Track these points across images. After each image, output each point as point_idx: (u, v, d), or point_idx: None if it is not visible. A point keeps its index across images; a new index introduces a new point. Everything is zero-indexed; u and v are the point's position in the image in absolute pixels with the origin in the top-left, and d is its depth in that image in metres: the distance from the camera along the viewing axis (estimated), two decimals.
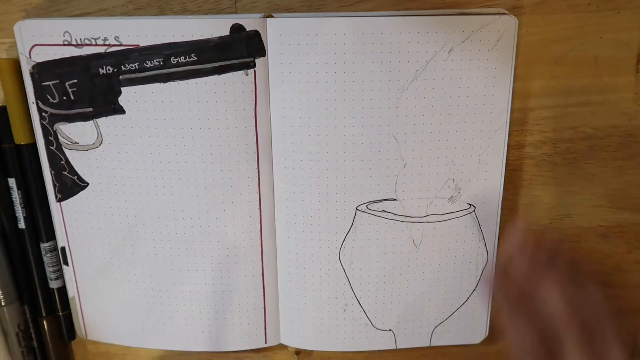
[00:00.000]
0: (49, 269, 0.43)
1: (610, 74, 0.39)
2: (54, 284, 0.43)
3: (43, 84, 0.38)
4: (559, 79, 0.39)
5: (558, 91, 0.39)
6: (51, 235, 0.42)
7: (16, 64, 0.38)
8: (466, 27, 0.36)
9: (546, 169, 0.41)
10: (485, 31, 0.36)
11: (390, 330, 0.42)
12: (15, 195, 0.41)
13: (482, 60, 0.36)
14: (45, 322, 0.44)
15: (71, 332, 0.45)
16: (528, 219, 0.42)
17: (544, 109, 0.40)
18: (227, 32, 0.36)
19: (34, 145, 0.40)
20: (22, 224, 0.41)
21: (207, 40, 0.36)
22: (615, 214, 0.43)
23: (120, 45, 0.37)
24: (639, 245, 0.43)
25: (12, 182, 0.40)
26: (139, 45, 0.37)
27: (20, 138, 0.40)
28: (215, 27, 0.36)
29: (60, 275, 0.43)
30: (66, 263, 0.42)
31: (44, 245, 0.42)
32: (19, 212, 0.41)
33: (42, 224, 0.42)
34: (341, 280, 0.41)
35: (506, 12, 0.36)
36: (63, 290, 0.44)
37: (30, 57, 0.37)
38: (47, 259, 0.42)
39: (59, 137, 0.39)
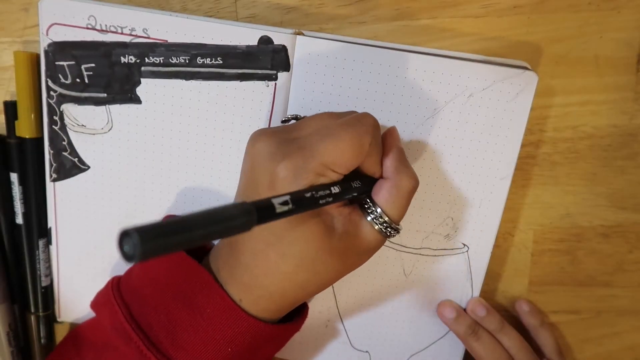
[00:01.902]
0: (43, 266, 0.42)
1: (610, 74, 0.39)
2: (45, 282, 0.42)
3: (57, 63, 0.37)
4: (560, 78, 0.39)
5: (558, 90, 0.40)
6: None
7: (32, 58, 0.38)
8: (489, 77, 0.37)
9: (546, 168, 0.42)
10: (507, 83, 0.37)
11: (367, 352, 0.43)
12: (16, 191, 0.40)
13: (499, 110, 0.38)
14: (32, 319, 0.43)
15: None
16: (528, 218, 0.43)
17: (545, 108, 0.40)
18: (255, 42, 0.36)
19: (38, 141, 0.39)
20: (19, 219, 0.41)
21: (235, 47, 0.36)
22: (616, 213, 0.43)
23: (148, 38, 0.36)
24: None
25: (14, 177, 0.40)
26: (167, 40, 0.36)
27: (25, 131, 0.39)
28: (244, 35, 0.36)
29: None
30: (51, 242, 0.42)
31: (42, 241, 0.41)
32: (18, 207, 0.40)
33: (40, 220, 0.41)
34: (328, 296, 0.42)
35: (529, 67, 0.37)
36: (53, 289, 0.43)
37: (47, 35, 0.36)
38: (43, 255, 0.41)
39: (65, 117, 0.38)
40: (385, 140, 0.34)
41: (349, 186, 0.31)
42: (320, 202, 0.28)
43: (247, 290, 0.32)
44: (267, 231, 0.30)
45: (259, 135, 0.31)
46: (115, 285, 0.35)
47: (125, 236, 0.18)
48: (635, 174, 0.42)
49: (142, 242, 0.18)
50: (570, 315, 0.45)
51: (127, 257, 0.18)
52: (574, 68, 0.39)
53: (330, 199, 0.29)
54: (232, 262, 0.33)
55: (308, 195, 0.28)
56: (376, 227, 0.32)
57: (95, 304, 0.36)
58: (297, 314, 0.37)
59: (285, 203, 0.25)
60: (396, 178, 0.32)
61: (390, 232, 0.32)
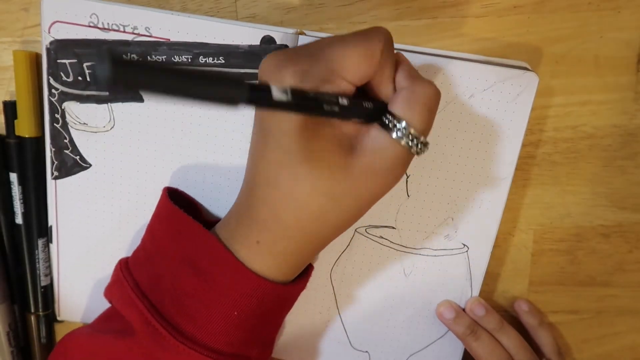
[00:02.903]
0: (42, 266, 0.42)
1: (610, 74, 0.40)
2: (45, 281, 0.42)
3: (59, 61, 0.37)
4: (560, 78, 0.40)
5: (558, 90, 0.40)
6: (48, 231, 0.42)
7: (31, 57, 0.38)
8: (489, 77, 0.37)
9: (547, 168, 0.42)
10: (508, 84, 0.37)
11: (366, 352, 0.43)
12: (16, 191, 0.40)
13: (499, 111, 0.38)
14: (32, 319, 0.43)
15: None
16: (528, 218, 0.43)
17: (545, 108, 0.40)
18: (257, 42, 0.37)
19: (38, 140, 0.39)
20: (19, 219, 0.41)
21: (237, 47, 0.37)
22: (616, 213, 0.43)
23: (150, 36, 0.36)
24: None
25: (13, 176, 0.40)
26: (169, 39, 0.36)
27: (25, 131, 0.39)
28: (246, 35, 0.36)
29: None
30: (51, 241, 0.42)
31: (41, 241, 0.41)
32: (17, 207, 0.40)
33: (39, 219, 0.41)
34: (329, 296, 0.42)
35: (530, 68, 0.37)
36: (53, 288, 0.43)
37: (49, 32, 0.36)
38: (43, 254, 0.42)
39: (67, 115, 0.38)
40: (396, 61, 0.31)
41: (359, 102, 0.29)
42: (325, 107, 0.27)
43: (264, 229, 0.30)
44: (279, 150, 0.28)
45: (267, 56, 0.30)
46: (124, 264, 0.35)
47: (100, 61, 0.17)
48: (635, 174, 0.42)
49: (113, 64, 0.17)
50: (570, 315, 0.45)
51: (98, 80, 0.17)
52: (574, 68, 0.39)
53: (337, 109, 0.27)
54: (249, 203, 0.31)
55: (311, 95, 0.26)
56: (402, 142, 0.29)
57: (107, 288, 0.36)
58: (300, 276, 0.35)
59: (284, 92, 0.23)
60: (412, 85, 0.30)
61: (419, 147, 0.29)
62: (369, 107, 0.29)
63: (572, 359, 0.46)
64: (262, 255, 0.31)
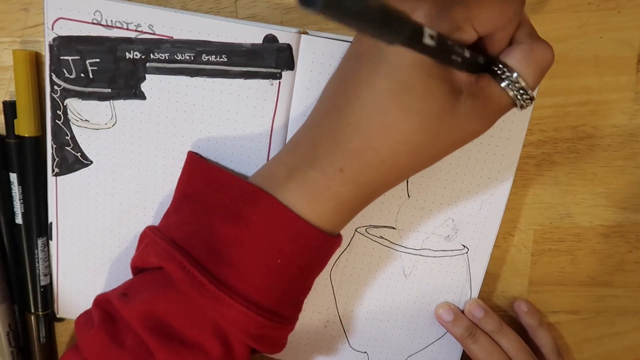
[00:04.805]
0: (42, 265, 0.42)
1: (610, 73, 0.40)
2: (44, 281, 0.42)
3: (61, 57, 0.37)
4: (560, 78, 0.40)
5: (558, 90, 0.40)
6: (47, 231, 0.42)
7: (31, 56, 0.38)
8: None
9: (546, 168, 0.42)
10: None
11: (365, 352, 0.43)
12: (16, 191, 0.40)
13: None
14: (32, 318, 0.43)
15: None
16: (528, 218, 0.43)
17: (545, 108, 0.40)
18: (260, 41, 0.37)
19: (37, 139, 0.40)
20: (19, 219, 0.41)
21: (239, 45, 0.37)
22: (616, 213, 0.43)
23: (153, 34, 0.36)
24: None
25: (13, 177, 0.40)
26: (172, 37, 0.36)
27: (24, 130, 0.39)
28: (249, 33, 0.36)
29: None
30: (51, 238, 0.42)
31: (41, 240, 0.41)
32: (17, 207, 0.40)
33: (39, 219, 0.41)
34: (328, 297, 0.42)
35: None
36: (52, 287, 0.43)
37: (52, 29, 0.37)
38: (42, 254, 0.41)
39: (69, 112, 0.39)
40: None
41: (477, 55, 0.29)
42: (453, 57, 0.26)
43: (353, 157, 0.29)
44: (394, 81, 0.28)
45: None
46: (153, 229, 0.35)
47: None
48: (635, 174, 0.42)
49: None
50: (569, 315, 0.45)
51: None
52: (574, 68, 0.40)
53: (460, 60, 0.27)
54: (336, 129, 0.30)
55: (449, 42, 0.25)
56: (511, 93, 0.30)
57: (135, 257, 0.35)
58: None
59: (431, 37, 0.22)
60: (532, 43, 0.30)
61: (525, 100, 0.30)
62: (482, 61, 0.30)
63: (572, 359, 0.46)
64: (323, 194, 0.30)
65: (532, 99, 0.30)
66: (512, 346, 0.41)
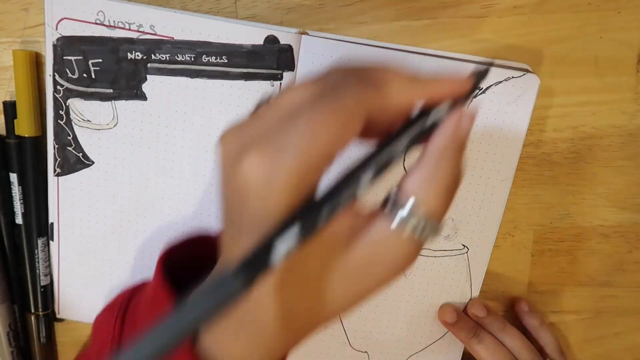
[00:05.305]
0: (42, 265, 0.42)
1: (610, 74, 0.40)
2: (44, 281, 0.42)
3: (64, 57, 0.38)
4: (560, 78, 0.40)
5: (558, 91, 0.40)
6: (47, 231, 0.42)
7: (31, 56, 0.39)
8: (490, 79, 0.37)
9: (546, 168, 0.42)
10: (509, 86, 0.37)
11: (365, 352, 0.43)
12: (16, 191, 0.40)
13: (500, 112, 0.38)
14: (32, 318, 0.43)
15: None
16: (528, 218, 0.43)
17: (545, 108, 0.40)
18: (260, 42, 0.37)
19: (37, 140, 0.40)
20: (19, 220, 0.41)
21: (240, 46, 0.37)
22: (616, 213, 0.43)
23: (155, 34, 0.37)
24: None
25: (13, 177, 0.40)
26: (173, 37, 0.37)
27: (24, 130, 0.39)
28: (250, 34, 0.37)
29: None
30: (52, 238, 0.42)
31: (41, 240, 0.41)
32: (17, 207, 0.41)
33: (39, 219, 0.41)
34: None
35: (531, 70, 0.38)
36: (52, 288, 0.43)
37: (57, 29, 0.37)
38: (42, 254, 0.42)
39: (71, 112, 0.39)
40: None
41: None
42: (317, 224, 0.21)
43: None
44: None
45: (225, 130, 0.23)
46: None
47: None
48: (635, 174, 0.42)
49: None
50: (570, 315, 0.45)
51: None
52: (574, 68, 0.40)
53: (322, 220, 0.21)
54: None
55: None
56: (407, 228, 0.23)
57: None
58: None
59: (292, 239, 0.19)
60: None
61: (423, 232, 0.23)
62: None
63: (572, 359, 0.46)
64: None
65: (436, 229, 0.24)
66: (516, 344, 0.41)
